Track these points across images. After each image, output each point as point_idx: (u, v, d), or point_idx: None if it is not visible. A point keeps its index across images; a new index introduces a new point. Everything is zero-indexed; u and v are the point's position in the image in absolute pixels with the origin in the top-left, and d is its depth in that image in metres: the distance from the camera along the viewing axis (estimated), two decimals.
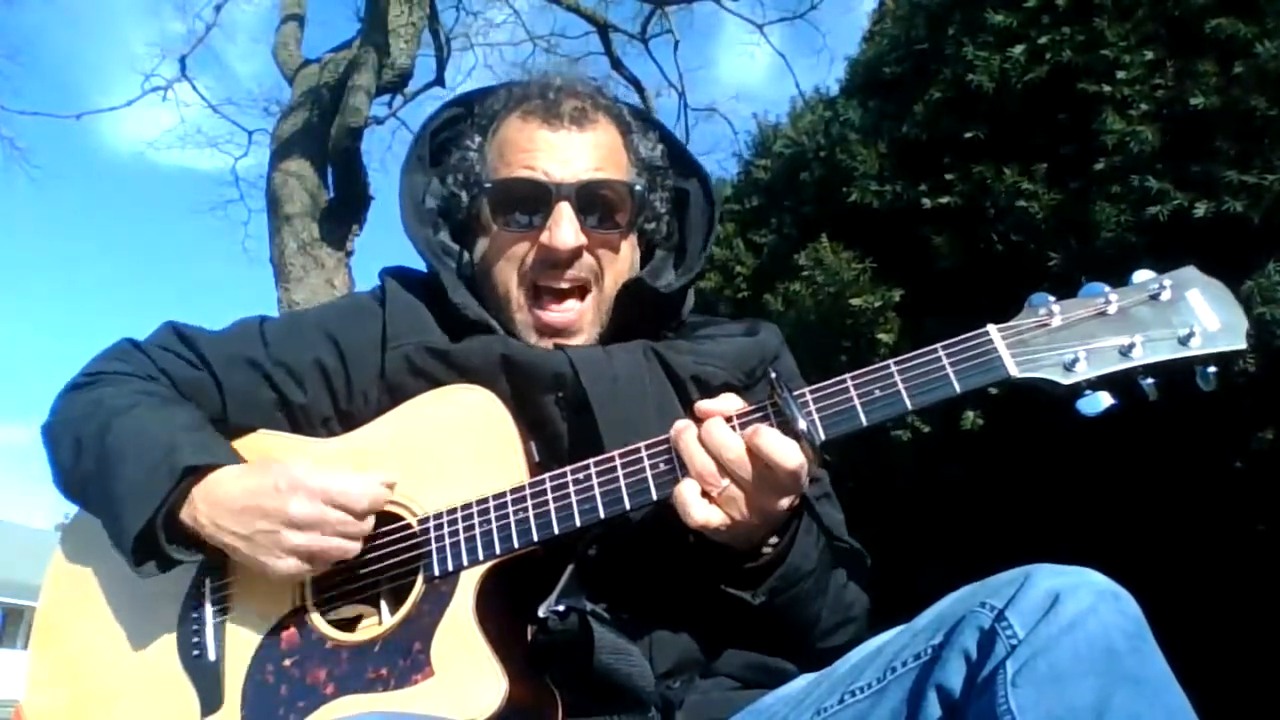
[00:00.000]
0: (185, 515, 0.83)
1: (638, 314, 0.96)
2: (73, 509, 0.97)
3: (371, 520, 0.80)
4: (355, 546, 0.80)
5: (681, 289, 1.00)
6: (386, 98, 6.71)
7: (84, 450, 0.88)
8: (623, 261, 0.97)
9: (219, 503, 0.81)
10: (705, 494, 0.75)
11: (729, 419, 0.77)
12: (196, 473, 0.82)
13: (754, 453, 0.74)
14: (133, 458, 0.83)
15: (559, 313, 0.93)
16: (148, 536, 0.81)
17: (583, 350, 0.92)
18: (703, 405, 0.77)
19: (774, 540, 0.80)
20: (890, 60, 2.76)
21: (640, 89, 8.04)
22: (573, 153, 0.93)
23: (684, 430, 0.77)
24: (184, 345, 0.97)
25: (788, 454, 0.73)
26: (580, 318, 0.94)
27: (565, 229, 0.90)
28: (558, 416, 0.89)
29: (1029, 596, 0.61)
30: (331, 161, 5.47)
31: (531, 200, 0.93)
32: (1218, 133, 1.93)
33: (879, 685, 0.68)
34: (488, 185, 0.96)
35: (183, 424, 0.87)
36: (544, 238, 0.91)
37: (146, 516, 0.80)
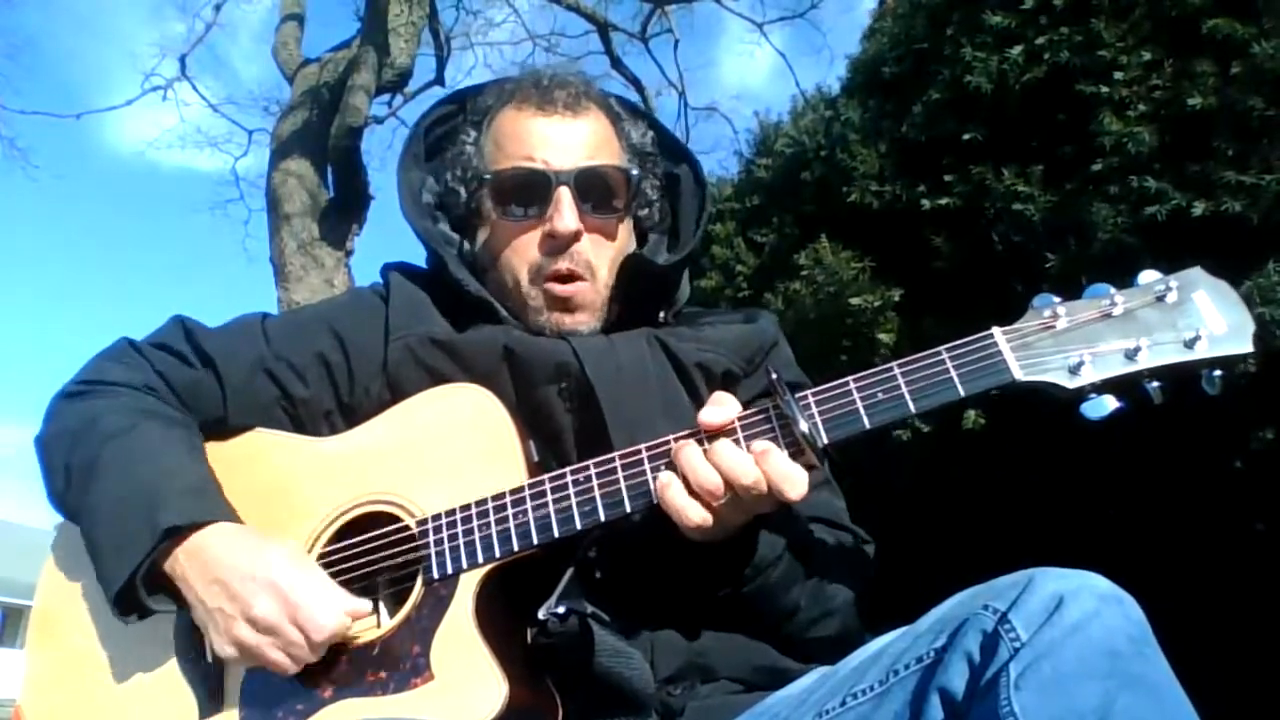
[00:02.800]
0: (168, 566, 0.82)
1: (636, 292, 0.97)
2: None
3: (322, 652, 0.78)
4: (294, 669, 0.78)
5: (678, 264, 1.02)
6: (386, 97, 6.70)
7: (72, 480, 0.87)
8: (619, 245, 0.98)
9: (199, 563, 0.80)
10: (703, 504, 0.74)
11: (733, 430, 0.76)
12: (179, 533, 0.81)
13: (766, 477, 0.73)
14: (117, 509, 0.82)
15: (567, 288, 0.94)
16: (129, 591, 0.81)
17: (586, 339, 0.92)
18: (706, 419, 0.77)
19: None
20: (890, 60, 2.77)
21: (640, 88, 8.04)
22: (568, 140, 0.95)
23: (684, 446, 0.76)
24: (187, 342, 0.96)
25: (795, 480, 0.73)
26: (580, 295, 0.95)
27: (566, 214, 0.92)
28: (561, 408, 0.89)
29: (1032, 599, 0.61)
30: (331, 161, 5.46)
31: (531, 189, 0.94)
32: (1215, 133, 1.93)
33: (881, 688, 0.67)
34: (487, 177, 0.97)
35: (173, 466, 0.85)
36: (546, 226, 0.93)
37: (126, 575, 0.80)
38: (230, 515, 0.84)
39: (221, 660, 0.83)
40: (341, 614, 0.78)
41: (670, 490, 0.75)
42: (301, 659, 0.78)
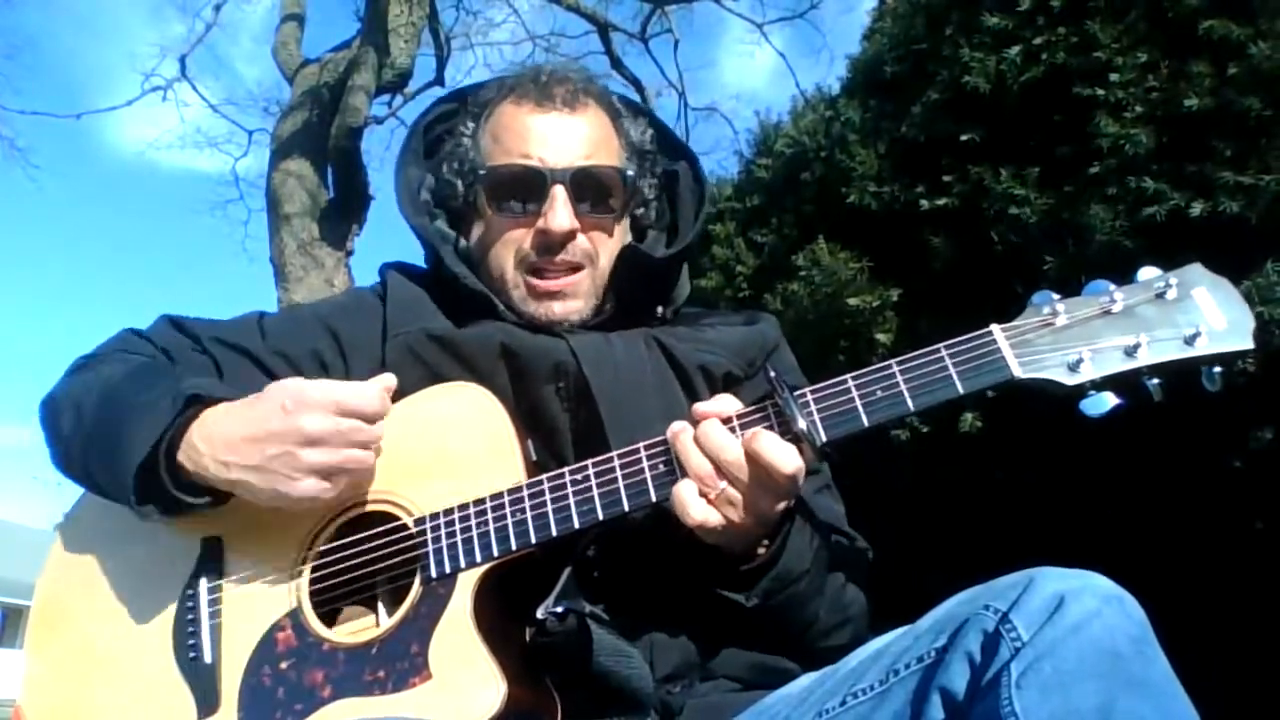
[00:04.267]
0: (184, 459, 0.78)
1: (633, 285, 0.97)
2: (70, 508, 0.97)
3: (383, 426, 0.77)
4: (371, 457, 0.77)
5: (676, 257, 1.01)
6: (386, 97, 6.70)
7: (84, 412, 0.85)
8: (615, 244, 0.98)
9: (221, 437, 0.77)
10: (703, 494, 0.75)
11: (728, 420, 0.77)
12: (201, 403, 0.78)
13: (752, 456, 0.74)
14: (134, 398, 0.81)
15: (555, 281, 0.94)
16: (150, 473, 0.78)
17: (584, 338, 0.92)
18: (699, 407, 0.77)
19: (767, 542, 0.79)
20: (889, 60, 2.77)
21: (640, 89, 8.04)
22: (566, 138, 0.95)
23: (681, 431, 0.77)
24: (182, 335, 0.97)
25: (785, 458, 0.73)
26: (575, 286, 0.95)
27: (560, 213, 0.92)
28: (558, 407, 0.89)
29: (1033, 599, 0.61)
30: (331, 161, 5.46)
31: (526, 186, 0.94)
32: (1212, 134, 1.93)
33: (881, 687, 0.67)
34: (483, 172, 0.97)
35: (183, 372, 0.87)
36: (539, 222, 0.93)
37: (149, 444, 0.76)
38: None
39: (219, 661, 0.83)
40: (375, 385, 0.78)
41: (677, 488, 0.75)
42: (372, 440, 0.78)
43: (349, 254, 5.44)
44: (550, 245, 0.93)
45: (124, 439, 0.79)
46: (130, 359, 0.92)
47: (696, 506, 0.74)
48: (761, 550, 0.80)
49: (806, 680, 0.77)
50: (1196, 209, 1.86)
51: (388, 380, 0.80)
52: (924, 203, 2.37)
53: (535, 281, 0.94)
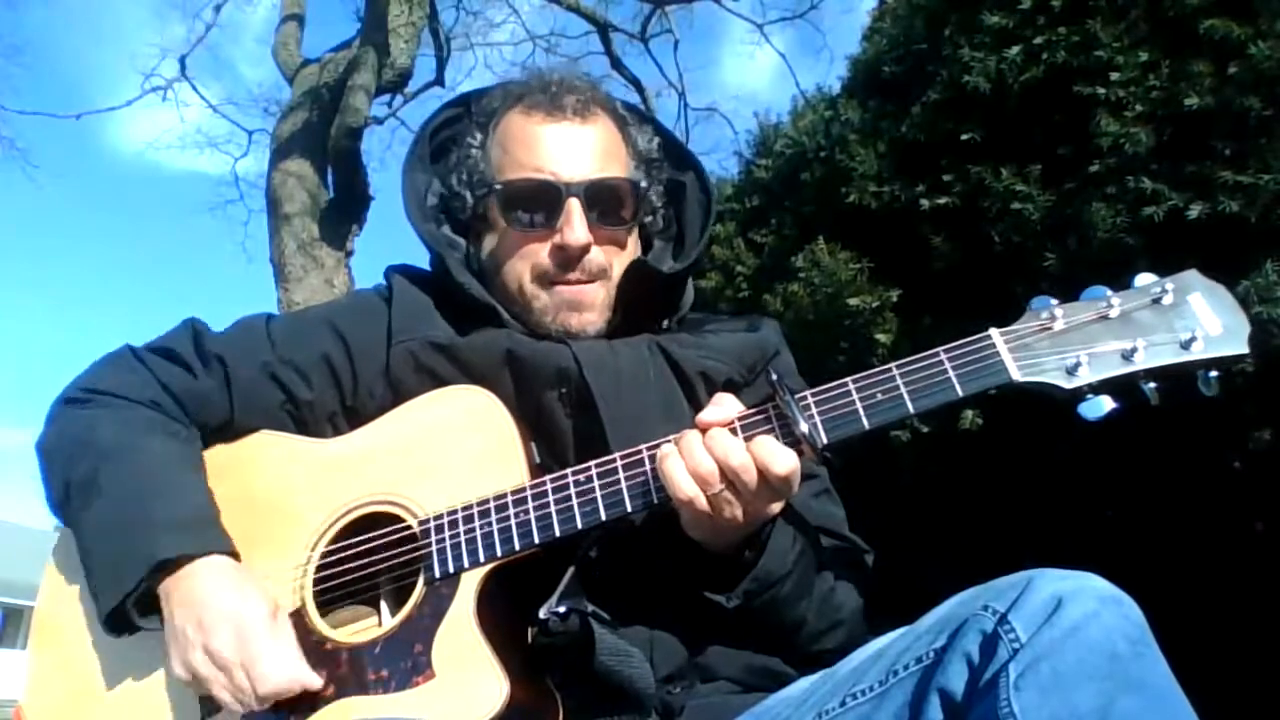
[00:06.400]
0: (160, 589, 0.83)
1: (641, 299, 0.98)
2: None
3: (266, 706, 0.79)
4: (237, 710, 0.79)
5: (683, 272, 1.02)
6: (386, 98, 6.70)
7: (71, 495, 0.88)
8: (627, 255, 0.99)
9: (183, 588, 0.82)
10: (701, 490, 0.75)
11: (729, 424, 0.77)
12: (172, 564, 0.82)
13: (754, 459, 0.74)
14: (112, 534, 0.83)
15: (577, 288, 0.94)
16: (119, 613, 0.83)
17: (587, 345, 0.93)
18: (704, 417, 0.78)
19: (749, 544, 0.80)
20: (889, 60, 2.76)
21: (640, 89, 8.04)
22: (578, 149, 0.95)
23: (684, 435, 0.77)
24: (194, 348, 0.96)
25: (782, 460, 0.74)
26: (593, 296, 0.95)
27: (577, 227, 0.92)
28: (561, 413, 0.90)
29: (1032, 600, 0.61)
30: (331, 161, 5.47)
31: (540, 199, 0.94)
32: (1213, 133, 1.93)
33: (881, 688, 0.68)
34: (497, 186, 0.96)
35: (170, 492, 0.85)
36: (557, 238, 0.93)
37: (117, 601, 0.81)
38: (224, 544, 0.84)
39: None
40: (290, 678, 0.78)
41: (668, 462, 0.75)
42: (245, 704, 0.78)
43: (349, 254, 5.44)
44: (568, 260, 0.93)
45: (97, 578, 0.84)
46: (127, 415, 0.90)
47: (686, 482, 0.74)
48: (749, 553, 0.80)
49: (807, 682, 0.77)
50: (1195, 210, 1.86)
51: (311, 682, 0.79)
52: (924, 202, 2.37)
53: (560, 289, 0.94)
